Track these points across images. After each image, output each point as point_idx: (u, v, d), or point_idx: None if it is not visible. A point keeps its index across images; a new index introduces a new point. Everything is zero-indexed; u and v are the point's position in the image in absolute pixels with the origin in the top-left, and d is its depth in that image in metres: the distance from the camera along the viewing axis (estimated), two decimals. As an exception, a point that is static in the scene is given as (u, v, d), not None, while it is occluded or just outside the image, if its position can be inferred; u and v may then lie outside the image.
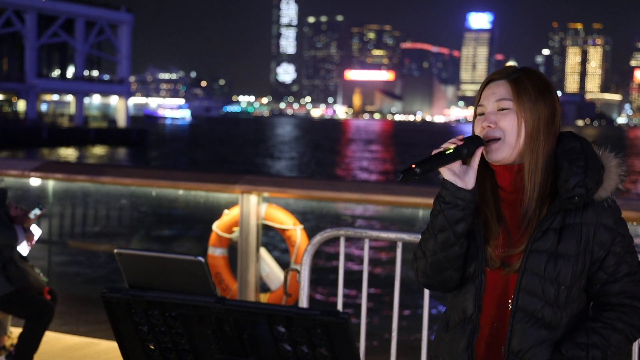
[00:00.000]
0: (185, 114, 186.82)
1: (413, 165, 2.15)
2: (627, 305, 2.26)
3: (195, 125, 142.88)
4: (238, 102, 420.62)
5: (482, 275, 2.28)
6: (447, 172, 2.23)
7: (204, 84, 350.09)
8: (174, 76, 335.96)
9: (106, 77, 76.87)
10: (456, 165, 2.23)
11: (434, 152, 2.21)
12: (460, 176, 2.23)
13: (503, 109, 2.25)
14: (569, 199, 2.20)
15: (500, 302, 2.27)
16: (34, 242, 5.41)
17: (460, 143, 2.22)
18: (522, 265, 2.22)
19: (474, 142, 2.23)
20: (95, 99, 76.15)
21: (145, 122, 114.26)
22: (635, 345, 3.29)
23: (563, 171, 2.22)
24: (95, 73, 76.16)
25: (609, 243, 2.23)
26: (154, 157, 54.94)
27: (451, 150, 2.19)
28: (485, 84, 2.32)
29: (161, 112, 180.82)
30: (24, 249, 5.35)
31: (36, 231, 5.45)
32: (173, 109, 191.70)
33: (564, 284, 2.21)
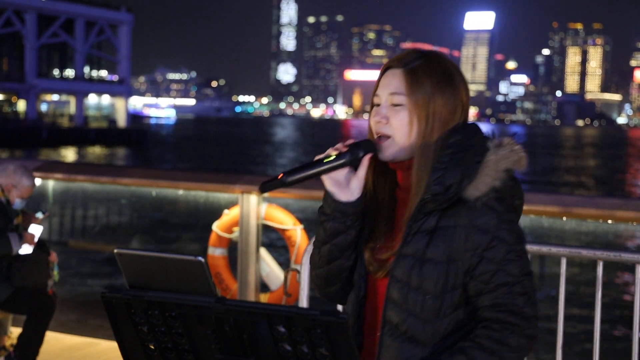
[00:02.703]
0: (170, 114, 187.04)
1: (280, 175, 1.92)
2: (501, 321, 1.93)
3: (179, 125, 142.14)
4: (239, 103, 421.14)
5: (362, 282, 2.06)
6: (329, 182, 2.00)
7: (214, 84, 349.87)
8: (184, 76, 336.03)
9: (115, 77, 76.67)
10: (341, 173, 2.00)
11: (316, 158, 1.97)
12: (344, 186, 2.00)
13: (396, 105, 2.01)
14: (427, 197, 1.94)
15: (380, 311, 2.03)
16: (36, 241, 5.42)
17: (345, 149, 1.99)
18: (390, 272, 1.98)
19: (361, 148, 1.99)
20: (105, 100, 76.02)
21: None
22: (635, 345, 3.27)
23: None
24: (95, 73, 76.13)
25: (483, 248, 1.93)
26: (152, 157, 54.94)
27: (332, 158, 1.96)
28: (384, 70, 2.07)
29: (146, 112, 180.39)
30: (25, 249, 5.36)
31: (36, 230, 5.45)
32: (158, 109, 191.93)
33: (429, 293, 1.93)
